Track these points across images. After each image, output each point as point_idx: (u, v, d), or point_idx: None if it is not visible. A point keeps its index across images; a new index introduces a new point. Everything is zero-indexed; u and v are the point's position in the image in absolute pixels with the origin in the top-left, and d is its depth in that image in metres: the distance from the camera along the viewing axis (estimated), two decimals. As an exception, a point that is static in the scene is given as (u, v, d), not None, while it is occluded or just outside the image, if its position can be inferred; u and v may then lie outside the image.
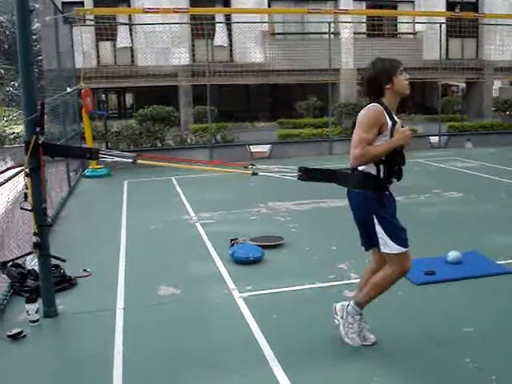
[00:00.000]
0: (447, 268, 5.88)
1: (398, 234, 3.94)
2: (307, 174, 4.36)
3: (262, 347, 4.29)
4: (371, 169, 3.87)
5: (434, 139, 17.98)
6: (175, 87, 23.41)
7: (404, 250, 3.94)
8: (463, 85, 30.42)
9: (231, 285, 5.70)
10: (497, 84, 41.26)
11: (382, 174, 3.86)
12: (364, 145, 3.76)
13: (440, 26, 18.19)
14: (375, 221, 3.90)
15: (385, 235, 3.90)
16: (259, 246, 6.75)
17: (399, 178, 3.99)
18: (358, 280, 5.60)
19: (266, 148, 16.29)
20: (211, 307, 5.20)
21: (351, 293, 5.27)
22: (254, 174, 5.10)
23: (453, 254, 6.03)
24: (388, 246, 3.92)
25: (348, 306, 4.21)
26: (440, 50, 18.40)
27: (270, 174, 4.94)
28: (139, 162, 4.72)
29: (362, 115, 3.87)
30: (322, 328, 4.55)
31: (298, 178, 4.41)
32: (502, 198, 9.70)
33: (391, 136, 3.81)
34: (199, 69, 20.10)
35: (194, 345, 4.41)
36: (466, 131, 18.70)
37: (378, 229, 3.91)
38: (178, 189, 11.50)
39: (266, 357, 4.14)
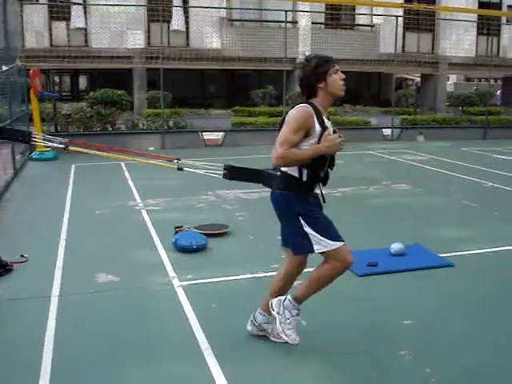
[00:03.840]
0: (390, 260, 5.87)
1: (329, 231, 3.76)
2: (232, 173, 4.24)
3: (198, 338, 4.19)
4: (293, 171, 3.71)
5: (387, 131, 18.13)
6: (130, 71, 23.02)
7: (340, 244, 3.75)
8: (418, 79, 30.80)
9: (172, 273, 5.57)
10: (452, 79, 42.01)
11: (304, 178, 3.70)
12: (288, 146, 3.58)
13: (396, 19, 18.29)
14: (302, 222, 3.72)
15: (317, 234, 3.71)
16: (204, 234, 6.63)
17: (325, 183, 3.87)
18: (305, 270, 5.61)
19: (219, 135, 16.14)
20: (149, 296, 5.06)
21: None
22: (180, 169, 4.96)
23: (396, 246, 6.03)
24: (323, 244, 3.73)
25: (285, 300, 3.99)
26: (396, 43, 18.47)
27: (195, 171, 4.82)
28: (71, 149, 4.52)
29: (291, 115, 3.66)
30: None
31: (223, 177, 4.30)
32: (451, 192, 9.80)
33: (319, 140, 3.64)
34: (154, 53, 19.78)
35: (128, 335, 4.27)
36: (418, 124, 18.90)
37: (308, 230, 3.71)
38: (127, 174, 11.28)
39: (200, 347, 4.04)
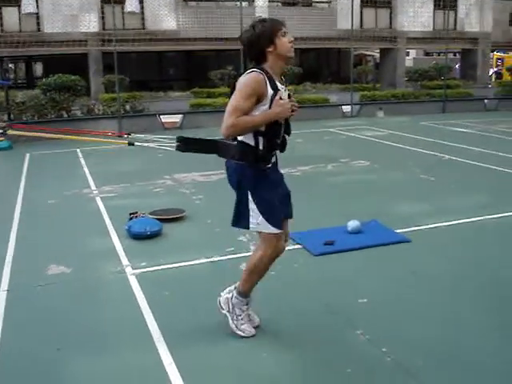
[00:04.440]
0: (347, 238, 5.82)
1: (273, 215, 3.65)
2: (186, 145, 4.06)
3: (150, 326, 4.07)
4: (249, 140, 3.55)
5: (347, 108, 18.11)
6: (85, 55, 22.56)
7: (277, 231, 3.65)
8: (378, 55, 30.85)
9: (125, 261, 5.43)
10: (412, 54, 42.28)
11: (261, 146, 3.57)
12: (239, 114, 3.40)
13: (352, -5, 18.19)
14: (249, 197, 3.61)
15: (259, 215, 3.61)
16: (159, 219, 6.49)
17: (282, 150, 3.73)
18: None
19: (177, 118, 15.93)
20: (102, 286, 4.92)
21: (248, 266, 5.14)
22: (131, 144, 4.80)
23: (352, 224, 5.98)
24: (260, 225, 3.63)
25: (232, 297, 3.90)
26: (352, 18, 18.39)
27: (147, 145, 4.66)
28: (10, 133, 4.34)
29: (242, 82, 3.49)
30: (213, 305, 4.36)
31: (176, 149, 4.13)
32: (409, 166, 9.82)
33: (270, 105, 3.50)
34: (109, 36, 19.39)
35: (79, 327, 4.14)
36: (377, 100, 18.94)
37: (252, 206, 3.61)
38: (82, 161, 11.04)
39: (152, 336, 3.93)
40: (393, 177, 9.05)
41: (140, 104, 16.35)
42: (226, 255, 5.51)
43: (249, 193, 3.61)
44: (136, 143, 4.85)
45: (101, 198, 8.02)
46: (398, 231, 6.09)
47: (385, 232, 6.01)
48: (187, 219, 6.80)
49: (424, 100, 19.63)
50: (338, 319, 4.14)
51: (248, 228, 3.70)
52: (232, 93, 3.58)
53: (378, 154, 11.27)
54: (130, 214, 6.65)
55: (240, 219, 3.72)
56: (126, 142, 4.83)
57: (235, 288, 3.91)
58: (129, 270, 5.22)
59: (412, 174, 9.25)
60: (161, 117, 15.72)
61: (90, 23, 21.46)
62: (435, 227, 6.31)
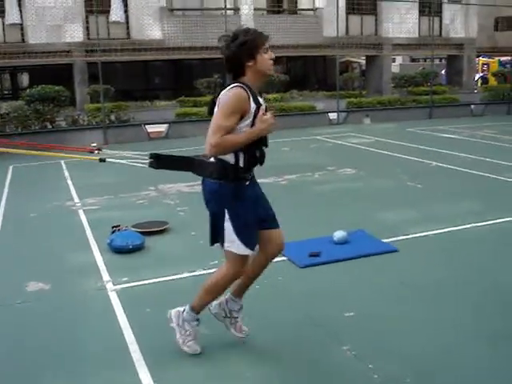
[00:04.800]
0: (333, 249, 5.71)
1: (248, 234, 3.54)
2: (159, 162, 3.94)
3: (130, 346, 3.95)
4: (229, 157, 3.43)
5: (333, 115, 18.05)
6: (70, 66, 22.37)
7: (249, 252, 3.56)
8: (364, 61, 30.90)
9: (106, 277, 5.30)
10: (398, 60, 42.42)
11: (241, 163, 3.43)
12: (223, 132, 3.29)
13: (337, 2, 18.16)
14: (226, 216, 3.49)
15: (233, 233, 3.50)
16: (142, 232, 6.37)
17: (262, 163, 3.59)
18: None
19: (163, 127, 15.81)
20: (81, 303, 4.78)
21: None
22: (102, 160, 4.66)
23: (338, 234, 5.88)
24: (234, 245, 3.52)
25: (184, 312, 3.79)
26: (337, 25, 18.36)
27: (119, 161, 4.53)
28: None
29: (225, 99, 3.35)
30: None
31: (149, 166, 4.00)
32: (396, 174, 9.74)
33: (254, 120, 3.38)
34: (94, 46, 19.25)
35: (57, 347, 4.00)
36: (364, 107, 18.90)
37: (227, 225, 3.49)
38: (67, 173, 10.89)
39: (132, 356, 3.81)
40: (379, 184, 8.97)
41: (125, 114, 16.20)
42: (209, 268, 5.37)
43: (226, 211, 3.50)
44: (108, 159, 4.71)
45: (84, 210, 7.88)
46: (385, 240, 6.01)
47: (371, 242, 5.91)
48: (171, 231, 6.68)
49: (410, 106, 19.62)
50: (323, 334, 4.04)
51: (222, 246, 3.59)
52: (212, 108, 3.47)
53: (365, 161, 11.20)
54: (113, 227, 6.52)
55: (217, 238, 3.62)
56: (97, 158, 4.68)
57: (188, 304, 3.80)
58: (109, 285, 5.09)
59: (399, 181, 9.17)
60: (146, 127, 15.59)
61: (74, 33, 21.28)
62: (423, 236, 6.23)
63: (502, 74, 27.97)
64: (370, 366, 3.57)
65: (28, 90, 15.51)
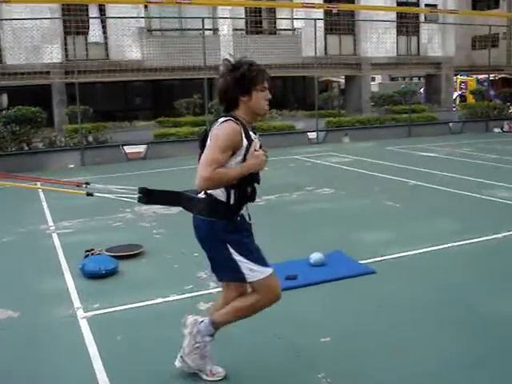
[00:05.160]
0: (309, 271, 5.62)
1: (260, 257, 3.44)
2: (148, 197, 3.82)
3: (99, 377, 3.81)
4: (220, 195, 3.33)
5: (312, 135, 18.07)
6: (49, 86, 22.23)
7: (270, 270, 3.44)
8: (343, 81, 31.09)
9: (77, 303, 5.15)
10: (378, 79, 42.75)
11: (232, 201, 3.33)
12: (216, 166, 3.18)
13: (315, 22, 18.25)
14: (231, 250, 3.35)
15: (249, 261, 3.37)
16: (116, 256, 6.23)
17: (253, 200, 3.48)
18: (216, 290, 5.30)
19: (141, 148, 15.69)
20: (50, 332, 4.62)
21: (206, 304, 4.94)
22: (89, 194, 4.56)
23: (315, 256, 5.79)
24: (254, 271, 3.38)
25: (201, 322, 3.61)
26: (315, 45, 18.43)
27: (107, 195, 4.44)
28: None
29: (219, 132, 3.25)
30: (168, 349, 4.12)
31: (138, 201, 3.89)
32: (374, 193, 9.71)
33: (245, 156, 3.31)
34: (72, 66, 19.14)
35: (21, 379, 3.85)
36: (343, 126, 18.94)
37: (238, 258, 3.35)
38: (42, 195, 10.70)
39: (100, 388, 3.67)
40: (358, 204, 8.92)
41: (102, 135, 16.05)
42: (183, 293, 5.27)
43: (228, 246, 3.36)
44: (95, 194, 4.61)
45: (57, 234, 7.72)
46: (362, 262, 5.93)
47: (349, 263, 5.83)
48: (146, 255, 6.55)
49: (389, 125, 19.70)
50: (298, 361, 3.93)
51: (245, 281, 3.42)
52: (204, 141, 3.37)
53: (343, 181, 11.17)
54: (86, 251, 6.41)
55: (228, 273, 3.46)
56: (84, 192, 4.58)
57: (209, 316, 3.63)
58: (80, 312, 4.94)
59: (377, 200, 9.13)
60: (124, 147, 15.45)
61: (52, 54, 21.17)
62: (401, 256, 6.17)
63: (479, 91, 28.27)
64: (346, 394, 3.47)
65: (4, 112, 15.29)
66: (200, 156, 3.34)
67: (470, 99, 29.91)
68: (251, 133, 3.36)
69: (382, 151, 15.64)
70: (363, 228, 7.41)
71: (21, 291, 5.59)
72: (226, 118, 3.27)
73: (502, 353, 3.93)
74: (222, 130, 3.25)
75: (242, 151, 3.28)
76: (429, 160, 13.70)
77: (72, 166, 14.57)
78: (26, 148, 14.87)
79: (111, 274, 5.83)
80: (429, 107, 25.08)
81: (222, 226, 3.34)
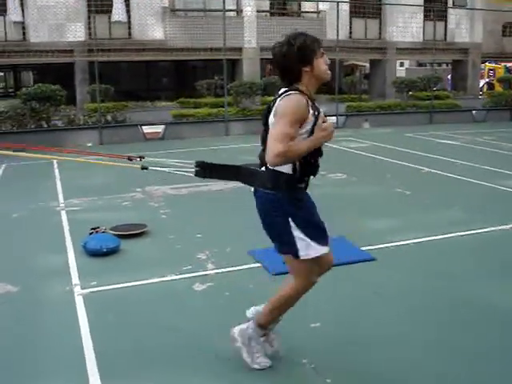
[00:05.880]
0: (309, 256, 5.60)
1: (321, 233, 3.43)
2: (205, 170, 3.80)
3: (86, 354, 3.85)
4: (286, 166, 3.26)
5: (333, 119, 17.88)
6: (72, 65, 22.35)
7: (327, 250, 3.43)
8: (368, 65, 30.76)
9: (75, 280, 5.21)
10: (406, 65, 42.21)
11: (298, 173, 3.29)
12: (288, 140, 3.11)
13: (337, 4, 18.03)
14: (291, 224, 3.33)
15: (306, 238, 3.34)
16: (120, 235, 6.28)
17: (315, 174, 3.47)
18: (214, 271, 5.34)
19: (159, 128, 15.70)
20: (45, 307, 4.70)
21: (202, 285, 4.97)
22: (144, 168, 4.55)
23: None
24: (311, 249, 3.35)
25: (248, 329, 3.61)
26: (337, 28, 18.25)
27: (162, 169, 4.43)
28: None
29: (285, 106, 3.19)
30: (158, 330, 4.17)
31: (195, 175, 3.87)
32: (386, 179, 9.63)
33: (312, 128, 3.26)
34: (95, 45, 19.20)
35: (16, 353, 3.91)
36: (363, 111, 18.76)
37: (297, 233, 3.33)
38: (57, 172, 10.82)
39: (86, 363, 3.71)
40: (367, 190, 8.85)
41: (121, 114, 16.11)
42: (181, 274, 5.30)
43: (290, 220, 3.34)
44: (150, 168, 4.61)
45: (66, 211, 7.80)
46: (364, 249, 5.90)
47: (349, 250, 5.80)
48: (150, 235, 6.58)
49: (410, 111, 19.43)
50: (285, 345, 3.90)
51: (298, 257, 3.38)
52: (267, 116, 3.33)
53: (357, 166, 11.09)
54: (91, 229, 6.46)
55: (284, 245, 3.43)
56: (139, 166, 4.59)
57: (253, 320, 3.63)
58: (77, 289, 5.00)
59: (388, 187, 9.05)
60: (143, 127, 15.50)
61: (76, 33, 21.24)
62: (404, 244, 6.11)
63: (507, 79, 27.74)
64: (328, 380, 3.47)
65: (24, 89, 15.42)
66: (264, 133, 3.33)
67: (498, 87, 29.43)
68: (317, 105, 3.32)
69: (400, 137, 15.48)
70: (370, 214, 7.36)
71: (23, 266, 5.67)
72: (290, 92, 3.25)
73: (502, 346, 3.89)
74: (288, 103, 3.21)
75: (310, 123, 3.24)
76: (447, 148, 13.53)
77: (90, 144, 14.66)
78: (45, 126, 14.99)
79: (113, 252, 5.88)
80: (454, 94, 24.73)
81: (287, 198, 3.32)
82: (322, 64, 3.31)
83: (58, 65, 22.59)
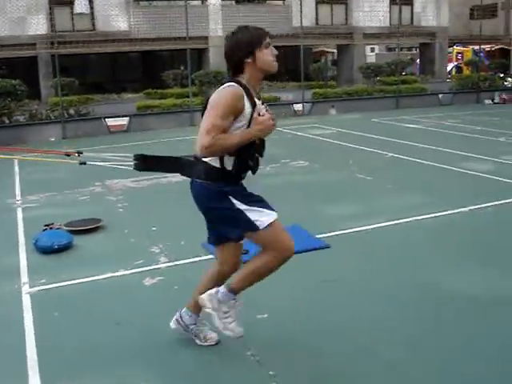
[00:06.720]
0: (262, 245, 5.54)
1: (263, 202, 3.36)
2: (145, 163, 3.72)
3: (28, 353, 3.77)
4: (214, 161, 3.24)
5: (298, 106, 17.89)
6: (35, 58, 22.01)
7: (275, 214, 3.33)
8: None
9: (24, 278, 5.11)
10: (375, 50, 42.29)
11: (229, 167, 3.24)
12: (217, 133, 3.09)
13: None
14: (234, 201, 3.25)
15: (255, 207, 3.27)
16: (74, 231, 6.17)
17: (254, 171, 3.37)
18: (165, 265, 5.27)
19: (124, 121, 15.52)
20: (-9, 307, 4.59)
21: (152, 279, 4.90)
22: (82, 163, 4.46)
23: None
24: (263, 215, 3.27)
25: (218, 293, 3.46)
26: (301, 14, 18.19)
27: (101, 164, 4.32)
28: None
29: (218, 97, 3.18)
30: (106, 326, 4.09)
31: (134, 168, 3.79)
32: (348, 166, 9.62)
33: (249, 122, 3.19)
34: (58, 38, 18.89)
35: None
36: (330, 98, 18.73)
37: (243, 206, 3.26)
38: (17, 169, 10.60)
39: (27, 365, 3.62)
40: (329, 177, 8.83)
41: (85, 108, 15.89)
42: (133, 268, 5.22)
43: (230, 197, 3.26)
44: (88, 162, 4.51)
45: (22, 208, 7.66)
46: (320, 236, 5.87)
47: (304, 238, 5.73)
48: (105, 229, 6.48)
49: (377, 96, 19.47)
50: (229, 337, 3.84)
51: (257, 229, 3.26)
52: (205, 107, 3.26)
53: (320, 153, 11.06)
54: (45, 225, 6.34)
55: (238, 226, 3.33)
56: (77, 161, 4.48)
57: (225, 285, 3.52)
58: (25, 288, 4.90)
59: (349, 173, 9.04)
60: (107, 120, 15.30)
61: (38, 26, 20.92)
62: (360, 230, 6.10)
63: (474, 62, 27.92)
64: (271, 372, 3.42)
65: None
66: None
67: (466, 70, 29.60)
68: (256, 99, 3.26)
69: (366, 123, 15.49)
70: (329, 201, 7.34)
71: (-28, 266, 5.54)
72: (226, 84, 3.23)
73: (455, 325, 3.88)
74: (221, 95, 3.20)
75: (246, 116, 3.19)
76: (412, 132, 13.58)
77: (53, 139, 14.44)
78: (7, 121, 14.71)
79: (65, 248, 5.77)
80: (422, 78, 24.82)
81: (222, 184, 3.26)
82: (266, 55, 3.26)
83: (22, 59, 22.21)
